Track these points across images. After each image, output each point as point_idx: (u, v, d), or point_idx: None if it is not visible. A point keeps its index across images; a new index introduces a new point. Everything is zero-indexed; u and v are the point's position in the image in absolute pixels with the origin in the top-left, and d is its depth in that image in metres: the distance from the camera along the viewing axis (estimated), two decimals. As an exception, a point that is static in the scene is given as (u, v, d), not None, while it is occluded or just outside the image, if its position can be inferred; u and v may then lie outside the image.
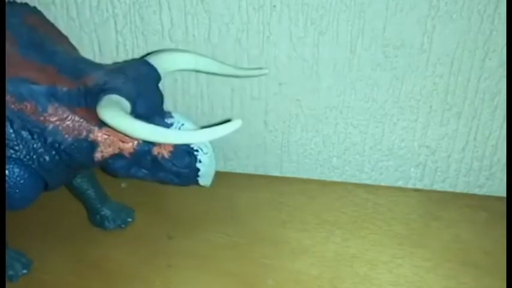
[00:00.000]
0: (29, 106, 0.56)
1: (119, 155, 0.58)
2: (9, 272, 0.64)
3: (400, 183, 0.82)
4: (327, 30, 0.72)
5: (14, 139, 0.57)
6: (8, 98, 0.56)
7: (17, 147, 0.57)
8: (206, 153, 0.59)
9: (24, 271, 0.65)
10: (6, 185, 0.57)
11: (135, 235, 0.72)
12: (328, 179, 0.83)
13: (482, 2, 0.68)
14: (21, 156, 0.57)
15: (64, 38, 0.64)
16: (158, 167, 0.59)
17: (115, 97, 0.55)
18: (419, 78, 0.74)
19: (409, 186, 0.82)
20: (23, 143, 0.57)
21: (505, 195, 0.79)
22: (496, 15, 0.68)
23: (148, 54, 0.64)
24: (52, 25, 0.63)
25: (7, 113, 0.56)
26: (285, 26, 0.73)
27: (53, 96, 0.56)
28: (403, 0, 0.69)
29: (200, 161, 0.59)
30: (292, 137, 0.80)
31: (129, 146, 0.57)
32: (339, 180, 0.83)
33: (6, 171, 0.57)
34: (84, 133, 0.57)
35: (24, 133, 0.57)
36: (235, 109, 0.78)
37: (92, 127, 0.57)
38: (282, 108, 0.78)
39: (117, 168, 0.59)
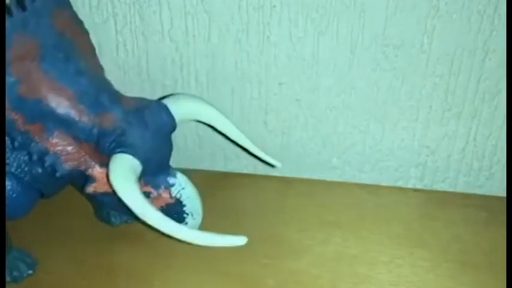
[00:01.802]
0: (37, 128, 0.54)
1: (110, 194, 0.56)
2: (14, 273, 0.63)
3: (400, 183, 0.82)
4: (326, 30, 0.72)
5: (10, 155, 0.56)
6: (16, 117, 0.53)
7: (8, 161, 0.56)
8: (195, 219, 0.59)
9: (30, 271, 0.64)
10: (8, 198, 0.57)
11: (135, 235, 0.72)
12: (328, 179, 0.83)
13: (482, 2, 0.68)
14: (12, 170, 0.56)
15: (90, 47, 0.59)
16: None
17: (130, 159, 0.54)
18: (419, 78, 0.74)
19: (409, 186, 0.82)
20: (14, 156, 0.56)
21: (505, 195, 0.79)
22: (496, 15, 0.68)
23: (165, 96, 0.62)
24: (80, 24, 0.58)
25: (12, 132, 0.54)
26: (285, 26, 0.73)
27: (64, 124, 0.55)
28: (403, 0, 0.69)
29: (186, 223, 0.59)
30: (292, 137, 0.80)
31: None
32: (339, 180, 0.83)
33: (8, 187, 0.56)
34: (84, 166, 0.56)
35: (22, 152, 0.55)
36: (236, 109, 0.78)
37: (93, 163, 0.56)
38: (282, 109, 0.78)
39: (104, 203, 0.58)
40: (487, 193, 0.80)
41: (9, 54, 0.50)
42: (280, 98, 0.78)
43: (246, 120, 0.80)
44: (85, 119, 0.55)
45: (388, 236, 0.72)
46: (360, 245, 0.70)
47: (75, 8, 0.57)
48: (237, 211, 0.75)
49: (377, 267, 0.67)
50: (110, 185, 0.54)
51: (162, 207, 0.57)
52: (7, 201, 0.57)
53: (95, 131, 0.55)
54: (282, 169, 0.83)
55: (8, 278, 0.63)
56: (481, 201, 0.79)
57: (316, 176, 0.83)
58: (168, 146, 0.58)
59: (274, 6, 0.71)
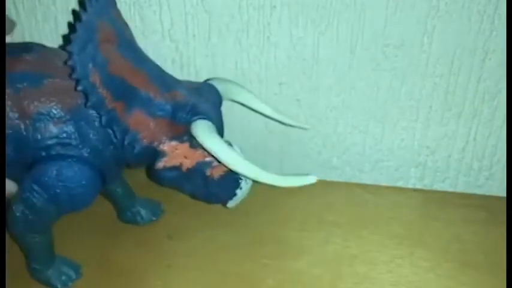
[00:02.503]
0: (120, 106, 0.57)
1: (176, 168, 0.61)
2: (63, 278, 0.64)
3: (400, 183, 0.82)
4: (326, 30, 0.72)
5: (77, 137, 0.58)
6: (106, 94, 0.56)
7: (80, 145, 0.58)
8: (247, 183, 0.63)
9: (77, 276, 0.65)
10: (73, 185, 0.58)
11: (136, 235, 0.72)
12: (328, 179, 0.83)
13: (482, 2, 0.68)
14: (85, 154, 0.58)
15: (134, 37, 0.63)
16: (204, 185, 0.62)
17: (208, 123, 0.60)
18: (419, 78, 0.74)
19: (409, 186, 0.82)
20: (87, 141, 0.58)
21: (505, 195, 0.79)
22: (496, 15, 0.68)
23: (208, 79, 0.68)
24: (124, 20, 0.62)
25: (101, 109, 0.56)
26: (285, 26, 0.73)
27: (141, 101, 0.58)
28: (403, 0, 0.69)
29: (241, 188, 0.63)
30: (292, 137, 0.80)
31: (189, 162, 0.61)
32: (339, 180, 0.83)
33: (71, 172, 0.57)
34: (156, 142, 0.60)
35: (93, 132, 0.58)
36: (235, 110, 0.78)
37: (164, 138, 0.60)
38: (282, 108, 0.78)
39: (168, 178, 0.62)
40: (487, 193, 0.80)
41: (97, 36, 0.55)
42: (280, 98, 0.78)
43: (246, 120, 0.80)
44: (159, 96, 0.59)
45: (388, 236, 0.72)
46: (360, 245, 0.70)
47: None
48: (237, 211, 0.75)
49: (377, 267, 0.67)
50: (178, 158, 0.60)
51: (221, 175, 0.62)
52: (77, 189, 0.58)
53: (169, 106, 0.59)
54: (281, 169, 0.83)
55: (58, 285, 0.64)
56: (481, 201, 0.79)
57: (316, 176, 0.82)
58: (222, 118, 0.64)
59: (275, 6, 0.71)
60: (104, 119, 0.57)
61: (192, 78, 0.78)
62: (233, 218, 0.74)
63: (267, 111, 0.68)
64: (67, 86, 0.57)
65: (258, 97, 0.69)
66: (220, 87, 0.65)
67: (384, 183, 0.82)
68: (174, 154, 0.60)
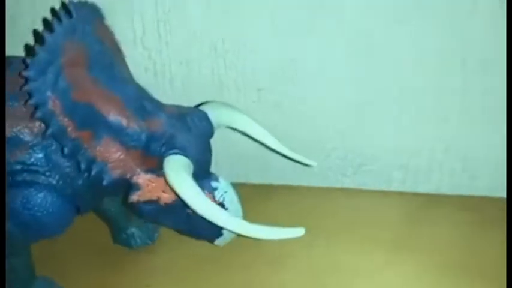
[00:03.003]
0: (86, 135, 0.53)
1: (153, 202, 0.56)
2: None
3: (383, 187, 0.81)
4: (306, 33, 0.71)
5: (45, 164, 0.55)
6: (68, 123, 0.52)
7: (48, 173, 0.55)
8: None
9: None
10: (40, 213, 0.55)
11: (114, 251, 0.70)
12: (310, 185, 0.81)
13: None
14: (54, 182, 0.55)
15: (122, 55, 0.59)
16: (186, 221, 0.58)
17: (183, 159, 0.54)
18: (401, 79, 0.73)
19: (393, 189, 0.81)
20: (57, 168, 0.55)
21: (490, 194, 0.78)
22: (477, 13, 0.67)
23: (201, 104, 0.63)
24: (112, 34, 0.58)
25: (63, 139, 0.53)
26: (263, 29, 0.71)
27: (112, 131, 0.54)
28: (385, 1, 0.68)
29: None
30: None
31: (168, 197, 0.56)
32: (322, 185, 0.81)
33: (38, 200, 0.55)
34: (129, 174, 0.55)
35: (70, 161, 0.55)
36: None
37: (139, 170, 0.55)
38: (261, 116, 0.76)
39: (145, 212, 0.57)
40: (471, 194, 0.79)
41: (62, 60, 0.51)
42: (259, 105, 0.76)
43: (226, 129, 0.78)
44: (133, 125, 0.54)
45: (371, 241, 0.70)
46: (344, 252, 0.69)
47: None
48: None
49: (361, 275, 0.65)
50: (154, 192, 0.55)
51: None
52: (47, 218, 0.55)
53: (144, 136, 0.55)
54: (263, 176, 0.82)
55: None
56: (466, 202, 0.78)
57: (298, 182, 0.81)
58: (210, 151, 0.59)
59: (249, 9, 0.70)
60: (66, 149, 0.53)
61: (167, 86, 0.76)
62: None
63: (270, 141, 0.63)
64: None
65: (260, 126, 0.63)
66: (213, 113, 0.60)
67: (367, 188, 0.81)
68: (150, 188, 0.56)
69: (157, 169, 0.55)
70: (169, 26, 0.72)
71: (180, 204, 0.56)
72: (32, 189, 0.55)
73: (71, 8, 0.53)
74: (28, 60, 0.51)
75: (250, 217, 0.74)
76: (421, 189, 0.80)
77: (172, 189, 0.55)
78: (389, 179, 0.80)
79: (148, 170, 0.55)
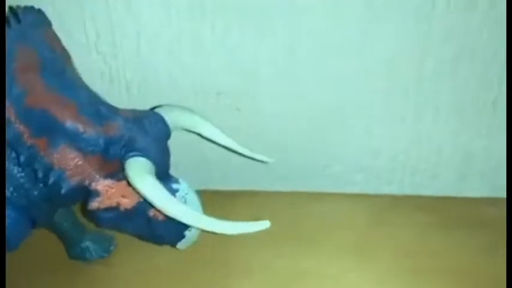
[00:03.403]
0: (42, 143, 0.52)
1: (113, 208, 0.55)
2: None
3: (346, 189, 0.80)
4: (270, 35, 0.69)
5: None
6: (24, 129, 0.51)
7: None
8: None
9: None
10: None
11: (70, 266, 0.67)
12: (272, 190, 0.80)
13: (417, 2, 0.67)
14: (8, 194, 0.53)
15: (71, 61, 0.57)
16: (147, 226, 0.57)
17: (144, 161, 0.54)
18: (362, 82, 0.72)
19: (356, 191, 0.80)
20: (11, 179, 0.52)
21: (451, 195, 0.79)
22: (432, 15, 0.67)
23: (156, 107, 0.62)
24: (60, 40, 0.57)
25: (18, 147, 0.51)
26: (222, 32, 0.69)
27: (69, 137, 0.52)
28: (338, 3, 0.67)
29: (190, 230, 0.58)
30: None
31: (128, 202, 0.55)
32: (284, 190, 0.80)
33: None
34: (87, 181, 0.54)
35: (25, 169, 0.52)
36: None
37: (97, 176, 0.54)
38: (220, 119, 0.75)
39: (105, 219, 0.56)
40: (434, 194, 0.80)
41: (14, 65, 0.50)
42: (218, 108, 0.74)
43: (183, 132, 0.76)
44: (90, 130, 0.53)
45: (336, 247, 0.70)
46: (309, 259, 0.68)
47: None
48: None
49: (326, 281, 0.65)
50: (114, 198, 0.55)
51: (166, 216, 0.56)
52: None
53: (101, 140, 0.54)
54: (224, 182, 0.80)
55: None
56: (428, 202, 0.78)
57: (260, 187, 0.80)
58: (168, 153, 0.59)
59: (206, 12, 0.68)
60: (21, 157, 0.51)
61: (123, 91, 0.73)
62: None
63: (227, 142, 0.64)
64: None
65: (217, 127, 0.63)
66: (169, 116, 0.59)
67: (330, 190, 0.80)
68: (109, 194, 0.55)
69: (117, 173, 0.54)
70: (123, 30, 0.69)
71: (140, 209, 0.55)
72: None
73: (19, 13, 0.51)
74: None
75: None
76: (385, 190, 0.80)
77: (131, 194, 0.54)
78: (352, 181, 0.80)
79: (107, 176, 0.54)
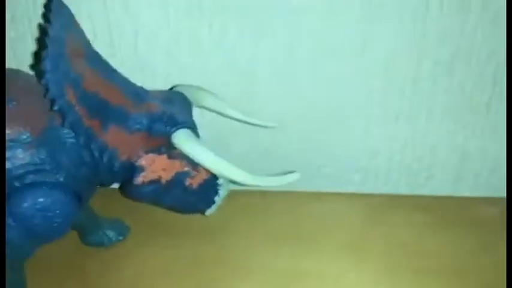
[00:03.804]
0: (96, 124, 0.54)
1: (155, 181, 0.58)
2: None
3: (343, 189, 0.80)
4: (264, 35, 0.70)
5: (51, 162, 0.54)
6: (82, 111, 0.53)
7: (55, 170, 0.54)
8: (225, 189, 0.63)
9: None
10: (51, 214, 0.54)
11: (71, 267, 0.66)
12: (269, 190, 0.80)
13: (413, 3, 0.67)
14: (61, 179, 0.55)
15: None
16: (183, 196, 0.61)
17: (189, 132, 0.58)
18: (357, 82, 0.73)
19: (353, 191, 0.81)
20: (62, 164, 0.54)
21: (446, 194, 0.80)
22: (427, 16, 0.68)
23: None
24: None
25: (78, 128, 0.53)
26: (217, 33, 0.69)
27: (117, 116, 0.56)
28: (338, 2, 0.68)
29: (219, 195, 0.62)
30: (231, 148, 0.77)
31: (168, 174, 0.59)
32: (282, 189, 0.80)
33: (49, 200, 0.53)
34: (134, 157, 0.57)
35: (65, 155, 0.55)
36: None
37: (141, 152, 0.58)
38: (218, 119, 0.75)
39: (147, 193, 0.59)
40: (429, 193, 0.80)
41: (67, 51, 0.52)
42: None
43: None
44: (134, 110, 0.57)
45: (335, 246, 0.70)
46: (308, 259, 0.68)
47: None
48: (172, 232, 0.72)
49: (326, 281, 0.65)
50: (157, 171, 0.58)
51: (200, 184, 0.61)
52: (56, 218, 0.54)
53: (145, 119, 0.57)
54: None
55: None
56: (424, 202, 0.79)
57: (257, 187, 0.80)
58: (196, 126, 0.62)
59: (204, 12, 0.68)
60: (81, 138, 0.54)
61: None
62: (172, 241, 0.71)
63: (237, 115, 0.67)
64: (34, 107, 0.53)
65: (226, 101, 0.66)
66: (188, 94, 0.64)
67: (327, 190, 0.80)
68: (152, 167, 0.58)
69: (160, 148, 0.58)
70: (121, 30, 0.69)
71: (178, 180, 0.59)
72: (41, 190, 0.53)
73: (57, 5, 0.54)
74: (42, 53, 0.50)
75: (208, 230, 0.72)
76: (381, 190, 0.80)
77: (171, 166, 0.58)
78: (349, 181, 0.80)
79: (149, 151, 0.58)
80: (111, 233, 0.70)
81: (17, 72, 0.58)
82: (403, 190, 0.80)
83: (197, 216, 0.64)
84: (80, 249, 0.70)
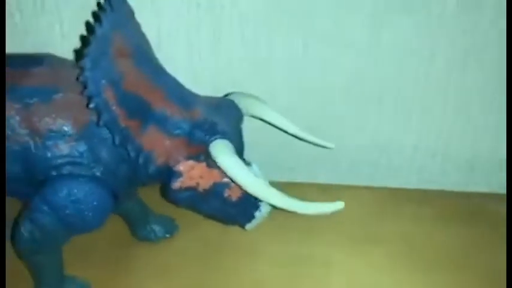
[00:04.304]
0: (134, 125, 0.54)
1: (192, 188, 0.58)
2: None
3: (353, 182, 0.82)
4: (278, 31, 0.72)
5: (90, 156, 0.55)
6: (120, 112, 0.53)
7: (93, 165, 0.55)
8: (267, 205, 0.60)
9: None
10: (84, 206, 0.55)
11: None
12: (280, 180, 0.82)
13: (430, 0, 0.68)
14: (98, 174, 0.56)
15: (152, 50, 0.60)
16: (221, 206, 0.59)
17: (227, 143, 0.57)
18: (369, 77, 0.74)
19: (362, 183, 0.82)
20: (101, 160, 0.56)
21: (457, 189, 0.81)
22: (442, 14, 0.69)
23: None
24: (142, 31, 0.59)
25: (114, 128, 0.53)
26: (236, 26, 0.72)
27: (157, 119, 0.55)
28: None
29: (260, 210, 0.60)
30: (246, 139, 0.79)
31: (206, 183, 0.58)
32: (292, 180, 0.82)
33: (83, 192, 0.55)
34: (172, 162, 0.57)
35: (105, 151, 0.56)
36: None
37: (180, 158, 0.57)
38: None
39: (184, 198, 0.59)
40: (440, 188, 0.81)
41: (111, 50, 0.52)
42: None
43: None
44: (177, 114, 0.56)
45: (342, 236, 0.72)
46: (315, 246, 0.70)
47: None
48: (186, 218, 0.73)
49: (333, 268, 0.67)
50: (194, 178, 0.57)
51: (239, 197, 0.59)
52: (89, 211, 0.56)
53: (186, 124, 0.56)
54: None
55: None
56: (433, 196, 0.80)
57: (268, 178, 0.82)
58: (242, 137, 0.61)
59: (224, 6, 0.70)
60: (117, 138, 0.54)
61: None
62: (196, 225, 0.73)
63: (291, 128, 0.66)
64: (79, 101, 0.54)
65: (282, 114, 0.65)
66: (241, 102, 0.63)
67: (336, 182, 0.82)
68: (191, 174, 0.57)
69: (199, 155, 0.57)
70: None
71: (217, 190, 0.58)
72: (77, 182, 0.55)
73: (113, 2, 0.54)
74: (84, 51, 0.51)
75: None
76: (390, 183, 0.82)
77: (210, 175, 0.57)
78: (359, 173, 0.82)
79: (190, 157, 0.57)
80: (158, 229, 0.71)
81: (65, 62, 0.59)
82: (413, 185, 0.82)
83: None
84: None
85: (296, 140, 0.79)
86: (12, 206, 0.64)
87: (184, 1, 0.71)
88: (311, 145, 0.79)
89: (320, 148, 0.79)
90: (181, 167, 0.57)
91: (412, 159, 0.80)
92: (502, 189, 0.80)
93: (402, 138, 0.78)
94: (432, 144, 0.78)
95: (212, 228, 0.72)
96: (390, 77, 0.74)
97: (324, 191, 0.80)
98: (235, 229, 0.71)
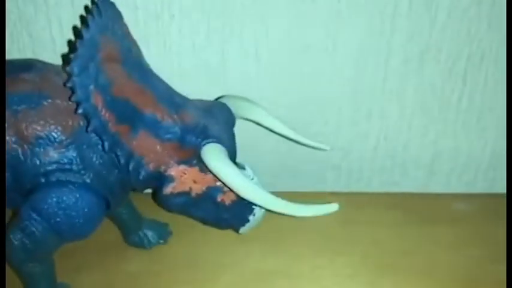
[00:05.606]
0: (124, 130, 0.53)
1: (185, 193, 0.57)
2: None
3: (317, 188, 0.81)
4: (231, 37, 0.70)
5: (79, 163, 0.54)
6: (109, 117, 0.52)
7: (83, 171, 0.54)
8: (262, 209, 0.59)
9: None
10: (75, 213, 0.54)
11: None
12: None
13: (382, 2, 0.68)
14: (88, 180, 0.54)
15: (142, 53, 0.59)
16: (215, 211, 0.59)
17: (220, 147, 0.56)
18: (326, 81, 0.73)
19: (327, 190, 0.81)
20: (91, 166, 0.54)
21: (418, 191, 0.81)
22: (396, 15, 0.68)
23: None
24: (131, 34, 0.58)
25: (103, 134, 0.52)
26: (186, 35, 0.70)
27: (148, 124, 0.55)
28: (305, 5, 0.68)
29: (254, 214, 0.60)
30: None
31: (199, 187, 0.57)
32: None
33: (73, 199, 0.54)
34: (163, 167, 0.56)
35: (96, 157, 0.55)
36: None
37: (172, 162, 0.56)
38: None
39: (177, 204, 0.58)
40: (402, 190, 0.81)
41: (100, 56, 0.51)
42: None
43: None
44: (167, 118, 0.56)
45: (307, 246, 0.70)
46: (280, 258, 0.68)
47: None
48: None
49: (298, 280, 0.65)
50: (187, 183, 0.57)
51: (233, 200, 0.59)
52: (79, 218, 0.54)
53: (177, 128, 0.56)
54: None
55: None
56: (397, 199, 0.79)
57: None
58: (235, 140, 0.61)
59: (173, 15, 0.68)
60: (106, 143, 0.53)
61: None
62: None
63: (283, 130, 0.65)
64: (68, 107, 0.53)
65: (273, 115, 0.64)
66: (232, 105, 0.62)
67: (300, 190, 0.80)
68: (183, 179, 0.56)
69: (191, 159, 0.56)
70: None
71: (209, 194, 0.58)
72: (66, 189, 0.54)
73: (100, 6, 0.53)
74: (71, 56, 0.50)
75: (180, 232, 0.72)
76: (354, 188, 0.81)
77: (202, 179, 0.57)
78: (323, 179, 0.80)
79: (182, 162, 0.56)
80: (151, 235, 0.70)
81: (55, 68, 0.58)
82: (376, 188, 0.81)
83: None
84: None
85: (260, 149, 0.78)
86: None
87: (132, 10, 0.69)
88: (273, 153, 0.78)
89: (282, 156, 0.78)
90: (173, 171, 0.56)
91: (374, 162, 0.79)
92: (465, 188, 0.81)
93: (362, 141, 0.77)
94: (392, 146, 0.78)
95: (169, 242, 0.71)
96: (347, 79, 0.73)
97: (289, 199, 0.78)
98: (193, 247, 0.70)
